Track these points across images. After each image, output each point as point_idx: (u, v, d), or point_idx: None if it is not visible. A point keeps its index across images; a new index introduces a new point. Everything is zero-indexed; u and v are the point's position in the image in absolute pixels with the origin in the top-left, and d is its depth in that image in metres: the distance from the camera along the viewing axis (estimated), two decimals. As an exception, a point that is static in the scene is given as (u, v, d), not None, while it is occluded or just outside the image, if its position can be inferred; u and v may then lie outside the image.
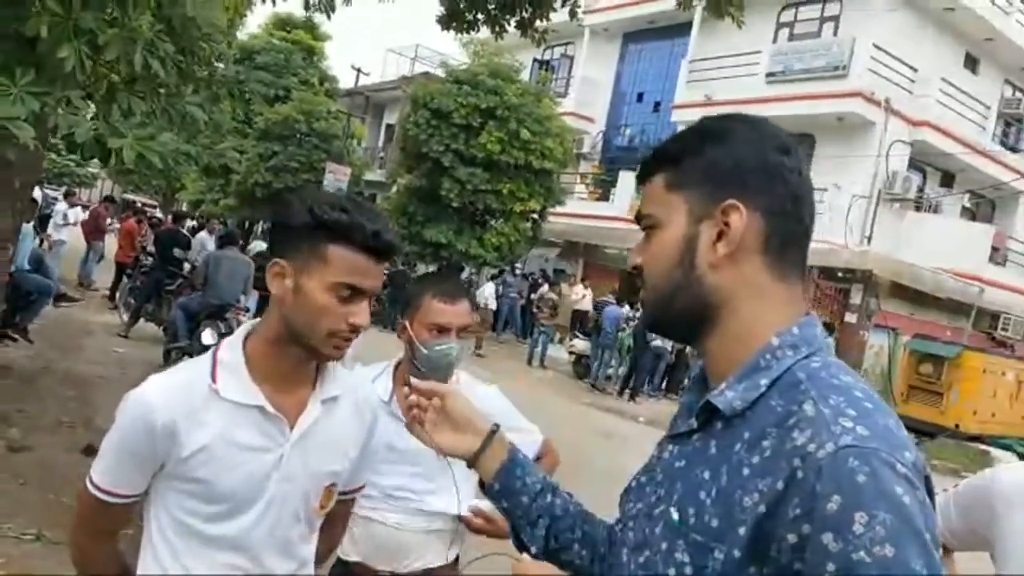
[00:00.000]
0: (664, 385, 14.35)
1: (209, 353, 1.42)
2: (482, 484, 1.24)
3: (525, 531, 1.19)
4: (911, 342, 14.53)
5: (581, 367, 14.48)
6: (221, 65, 4.49)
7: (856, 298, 15.36)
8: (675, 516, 0.90)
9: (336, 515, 1.57)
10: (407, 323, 1.96)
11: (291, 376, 1.42)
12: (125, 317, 10.60)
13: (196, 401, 1.34)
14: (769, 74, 18.07)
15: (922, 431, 13.37)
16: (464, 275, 20.35)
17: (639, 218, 1.03)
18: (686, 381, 11.64)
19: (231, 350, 1.40)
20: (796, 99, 17.03)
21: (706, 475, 0.89)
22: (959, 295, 16.25)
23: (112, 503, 1.37)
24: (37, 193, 12.17)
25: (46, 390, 6.56)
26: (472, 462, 1.23)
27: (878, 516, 0.74)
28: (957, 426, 13.04)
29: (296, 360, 1.41)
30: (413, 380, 1.30)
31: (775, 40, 18.84)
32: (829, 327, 14.09)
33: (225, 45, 4.00)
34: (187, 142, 3.82)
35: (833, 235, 16.18)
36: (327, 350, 1.37)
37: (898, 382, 14.52)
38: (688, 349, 12.40)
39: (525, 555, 1.21)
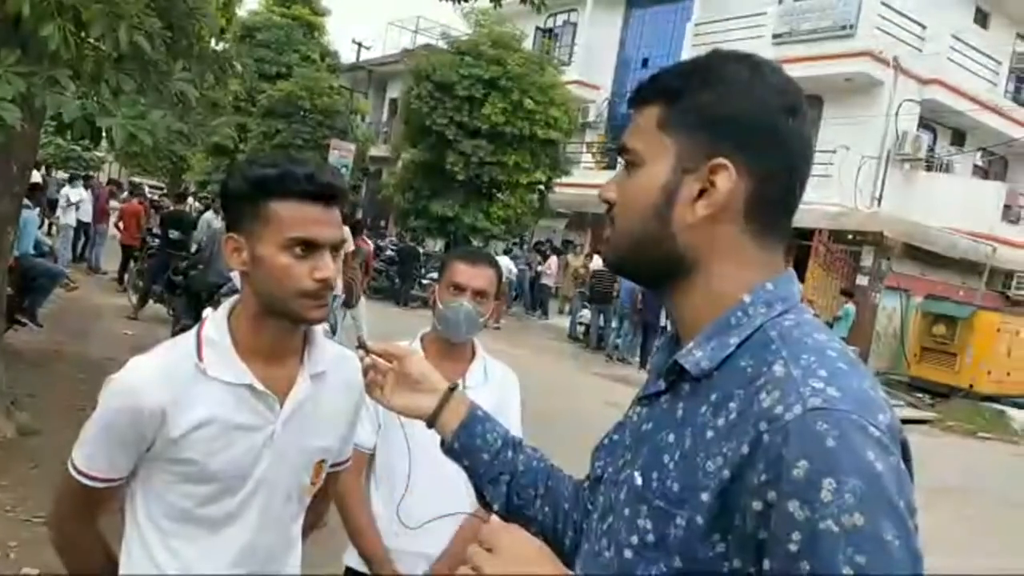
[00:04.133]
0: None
1: (193, 331, 1.39)
2: (443, 444, 1.20)
3: (487, 489, 1.17)
4: (923, 303, 14.42)
5: (590, 337, 14.45)
6: (213, 41, 4.44)
7: (867, 260, 15.21)
8: (638, 481, 0.86)
9: (322, 490, 1.55)
10: (436, 287, 2.11)
11: (278, 350, 1.39)
12: (134, 300, 10.64)
13: (183, 382, 1.31)
14: (775, 35, 17.79)
15: (936, 392, 13.34)
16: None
17: (622, 149, 0.95)
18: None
19: (216, 328, 1.37)
20: (803, 60, 16.66)
21: (671, 438, 0.85)
22: (972, 254, 16.06)
23: (96, 487, 1.35)
24: (37, 176, 12.15)
25: (56, 374, 6.59)
26: (431, 422, 1.20)
27: (847, 483, 0.69)
28: (971, 386, 12.98)
29: (280, 332, 1.37)
30: (369, 343, 1.26)
31: (780, 0, 18.51)
32: (849, 294, 14.02)
33: (215, 19, 3.93)
34: (180, 120, 3.76)
35: (843, 197, 16.01)
36: (304, 312, 1.33)
37: (911, 343, 14.44)
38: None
39: (494, 516, 1.17)
